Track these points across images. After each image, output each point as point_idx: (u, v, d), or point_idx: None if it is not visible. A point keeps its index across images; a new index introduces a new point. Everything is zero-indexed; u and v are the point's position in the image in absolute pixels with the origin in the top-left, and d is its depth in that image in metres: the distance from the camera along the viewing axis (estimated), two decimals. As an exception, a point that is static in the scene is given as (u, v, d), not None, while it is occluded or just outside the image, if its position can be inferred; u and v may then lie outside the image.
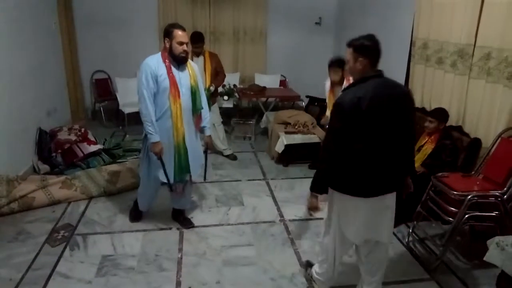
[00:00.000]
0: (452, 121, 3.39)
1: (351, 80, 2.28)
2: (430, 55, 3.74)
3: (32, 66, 4.34)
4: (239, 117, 5.61)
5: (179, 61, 2.76)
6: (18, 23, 4.05)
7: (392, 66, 4.60)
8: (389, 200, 2.09)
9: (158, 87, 2.73)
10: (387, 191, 2.04)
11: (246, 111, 6.16)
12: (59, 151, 4.17)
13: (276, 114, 5.13)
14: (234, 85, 5.93)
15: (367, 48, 1.92)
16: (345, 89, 2.12)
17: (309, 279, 2.59)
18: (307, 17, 6.40)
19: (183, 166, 2.94)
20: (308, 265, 2.65)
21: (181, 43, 2.70)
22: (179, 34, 2.69)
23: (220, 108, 4.73)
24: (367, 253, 2.23)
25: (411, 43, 4.09)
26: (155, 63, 2.71)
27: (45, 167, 4.06)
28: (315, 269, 2.47)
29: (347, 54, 1.99)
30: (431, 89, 3.76)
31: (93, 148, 4.29)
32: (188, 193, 3.25)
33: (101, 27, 5.92)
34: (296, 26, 6.40)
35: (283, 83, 6.54)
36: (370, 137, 1.91)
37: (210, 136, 3.19)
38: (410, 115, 2.06)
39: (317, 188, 2.11)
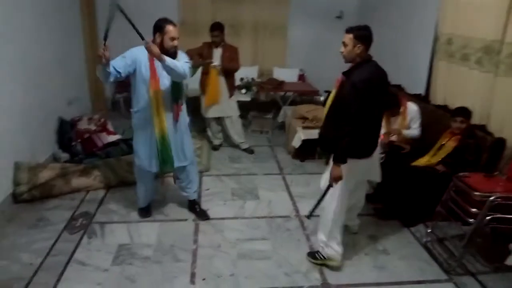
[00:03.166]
0: (475, 120, 3.29)
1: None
2: (455, 51, 3.63)
3: (55, 58, 4.40)
4: (256, 111, 5.59)
5: (169, 56, 2.68)
6: (43, 15, 4.11)
7: (414, 62, 4.55)
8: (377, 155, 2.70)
9: (138, 76, 2.75)
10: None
11: (263, 105, 6.12)
12: (79, 140, 4.24)
13: (294, 108, 5.08)
14: (252, 79, 5.91)
15: (366, 37, 2.35)
16: (347, 71, 2.43)
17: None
18: (328, 10, 6.29)
19: (166, 159, 2.90)
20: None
21: (172, 39, 2.70)
22: (171, 29, 2.69)
23: (238, 101, 4.71)
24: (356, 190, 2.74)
25: (435, 39, 3.98)
26: (141, 51, 2.70)
27: (65, 156, 4.13)
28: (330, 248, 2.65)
29: (346, 39, 2.39)
30: (455, 87, 3.65)
31: (112, 138, 4.34)
32: (193, 182, 3.22)
33: (121, 19, 5.95)
34: (317, 20, 6.29)
35: (301, 77, 6.48)
36: (376, 109, 2.41)
37: None
38: (387, 90, 2.64)
39: (342, 159, 2.36)
